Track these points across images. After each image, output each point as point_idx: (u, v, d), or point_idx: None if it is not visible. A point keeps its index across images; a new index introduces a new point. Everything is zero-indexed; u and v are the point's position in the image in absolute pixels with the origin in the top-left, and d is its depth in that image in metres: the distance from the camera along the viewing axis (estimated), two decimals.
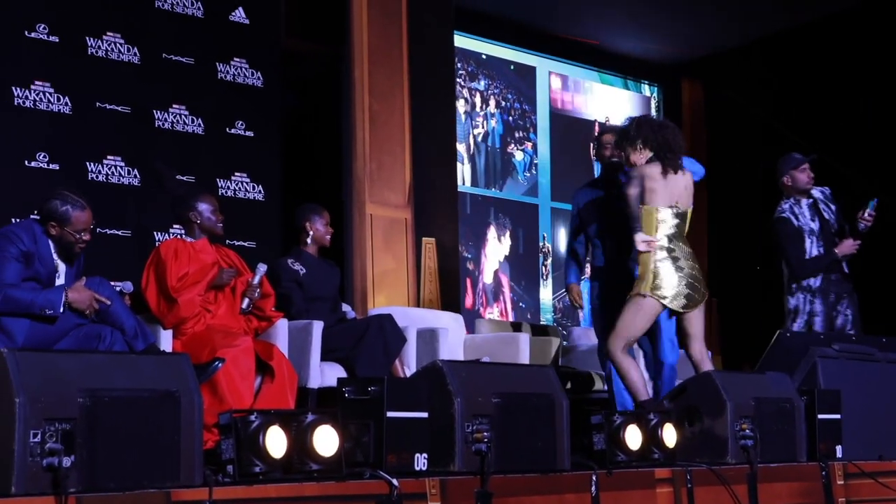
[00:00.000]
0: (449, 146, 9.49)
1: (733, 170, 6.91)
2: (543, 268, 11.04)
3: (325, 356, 5.99)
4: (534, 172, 11.09)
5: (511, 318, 10.49)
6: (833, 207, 6.73)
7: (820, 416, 5.16)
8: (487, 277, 10.57)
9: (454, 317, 7.59)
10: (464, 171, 10.38)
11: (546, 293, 11.03)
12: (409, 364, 6.25)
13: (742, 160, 6.99)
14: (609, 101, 11.83)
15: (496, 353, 7.05)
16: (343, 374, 5.92)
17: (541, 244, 11.04)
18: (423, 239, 8.77)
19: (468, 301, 10.30)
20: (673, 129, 5.56)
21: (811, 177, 6.70)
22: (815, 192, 6.75)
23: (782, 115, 11.22)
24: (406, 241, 8.65)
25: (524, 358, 6.95)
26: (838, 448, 5.20)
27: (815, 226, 6.65)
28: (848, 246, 6.58)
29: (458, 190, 10.11)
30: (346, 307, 6.64)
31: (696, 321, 5.51)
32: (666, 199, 5.44)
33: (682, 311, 5.45)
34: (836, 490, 5.07)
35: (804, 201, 6.69)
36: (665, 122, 5.70)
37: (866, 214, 6.56)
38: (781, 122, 11.18)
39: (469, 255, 10.44)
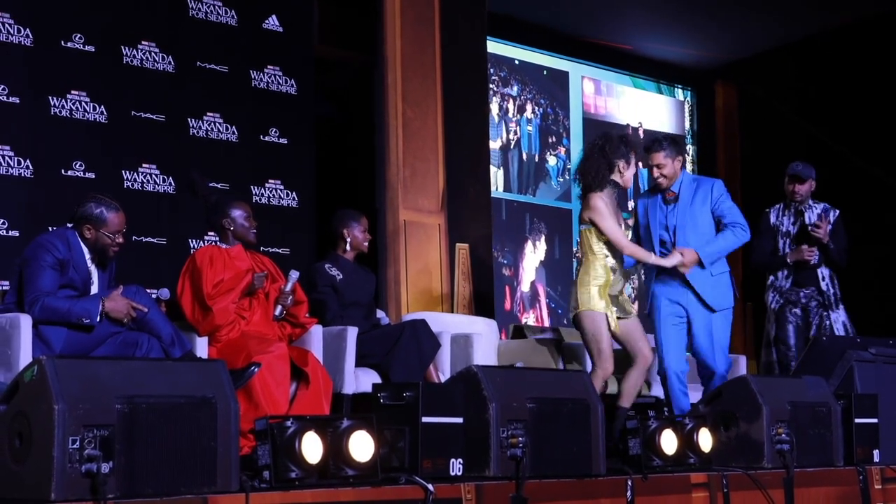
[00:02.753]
0: (482, 152, 9.49)
1: (767, 173, 6.90)
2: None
3: (360, 362, 5.99)
4: (567, 178, 11.08)
5: (547, 324, 10.46)
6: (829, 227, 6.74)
7: (857, 420, 5.14)
8: (525, 286, 10.57)
9: (488, 322, 7.57)
10: (497, 177, 10.38)
11: None
12: (443, 370, 6.25)
13: (776, 164, 6.97)
14: (642, 106, 11.80)
15: (530, 358, 7.03)
16: (378, 379, 5.92)
17: (575, 249, 11.02)
18: (457, 244, 8.76)
19: (506, 305, 10.30)
20: (584, 167, 5.80)
21: (790, 190, 6.80)
22: (816, 209, 6.81)
23: (817, 119, 11.15)
24: (440, 247, 8.66)
25: (558, 363, 6.93)
26: (875, 452, 5.18)
27: (793, 229, 6.80)
28: (798, 252, 6.64)
29: (493, 196, 10.11)
30: (380, 313, 6.64)
31: None
32: None
33: None
34: (874, 494, 5.04)
35: (793, 206, 6.84)
36: (583, 156, 5.86)
37: (814, 222, 6.70)
38: (816, 125, 11.11)
39: (505, 262, 10.43)
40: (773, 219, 6.84)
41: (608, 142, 5.72)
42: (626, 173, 5.68)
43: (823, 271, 6.74)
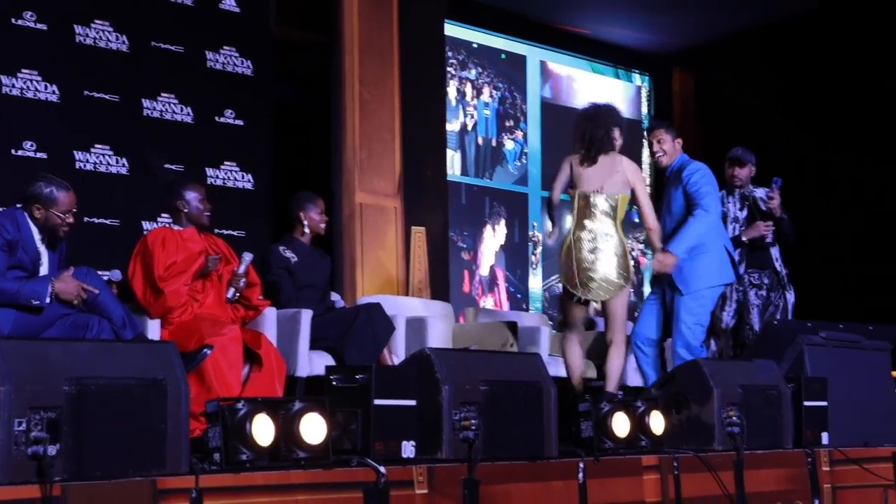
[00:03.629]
0: (439, 135, 9.48)
1: (723, 160, 6.92)
2: (533, 256, 11.05)
3: (314, 345, 5.98)
4: (524, 162, 11.09)
5: (506, 308, 10.48)
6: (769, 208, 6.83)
7: (806, 403, 5.17)
8: (484, 270, 10.58)
9: (443, 305, 7.58)
10: (454, 160, 10.37)
11: (535, 282, 11.03)
12: (397, 353, 6.25)
13: (728, 141, 7.07)
14: (600, 91, 11.81)
15: (485, 341, 7.04)
16: (332, 362, 5.90)
17: (531, 233, 11.04)
18: (413, 227, 8.76)
19: (465, 288, 10.30)
20: (594, 123, 5.72)
21: (730, 174, 6.85)
22: (758, 192, 6.87)
23: (774, 106, 11.22)
24: (396, 230, 8.65)
25: (514, 346, 6.94)
26: (824, 435, 5.22)
27: (741, 214, 6.83)
28: (755, 229, 6.69)
29: (452, 180, 10.11)
30: (335, 296, 6.62)
31: (608, 306, 5.68)
32: (582, 186, 5.67)
33: (582, 296, 5.64)
34: (822, 476, 5.09)
35: (737, 192, 6.87)
36: (591, 114, 5.81)
37: (767, 195, 6.72)
38: (773, 112, 11.18)
39: (465, 246, 10.43)
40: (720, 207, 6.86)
41: (601, 108, 5.83)
42: (618, 142, 5.77)
43: (775, 252, 6.79)
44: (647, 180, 9.98)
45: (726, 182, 6.88)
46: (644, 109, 12.21)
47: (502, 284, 10.70)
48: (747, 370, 5.17)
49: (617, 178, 5.64)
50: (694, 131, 11.95)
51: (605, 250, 5.57)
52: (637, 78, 12.25)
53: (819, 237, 10.56)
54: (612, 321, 5.65)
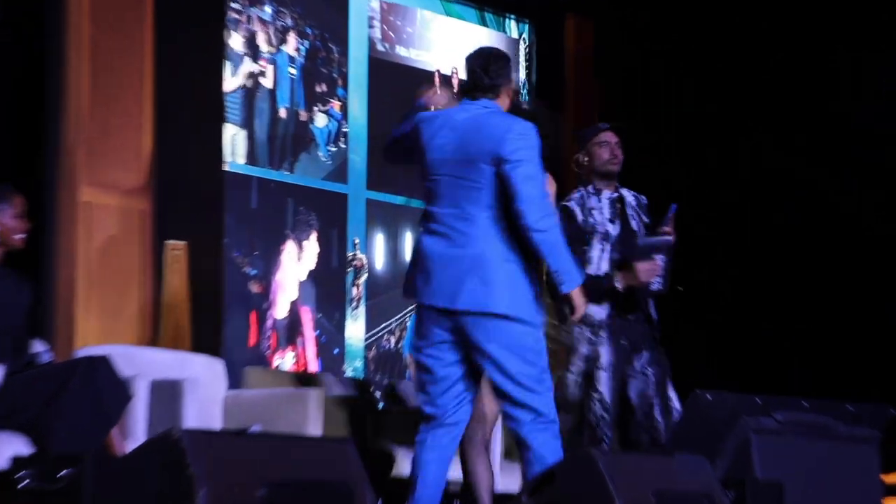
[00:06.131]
0: (213, 105, 9.45)
1: (629, 131, 6.97)
2: (354, 289, 10.98)
3: (2, 422, 5.92)
4: (342, 146, 11.06)
5: (314, 368, 10.41)
6: (644, 220, 6.94)
7: None
8: (281, 310, 10.46)
9: (211, 362, 7.58)
10: (236, 142, 10.27)
11: (356, 328, 10.96)
12: (135, 434, 6.30)
13: (641, 120, 7.11)
14: (458, 45, 11.84)
15: (274, 418, 7.12)
16: (28, 449, 5.83)
17: (350, 254, 10.99)
18: (169, 242, 8.70)
19: (251, 339, 10.18)
20: None
21: (614, 154, 6.87)
22: (625, 193, 6.97)
23: (685, 65, 11.50)
24: (142, 245, 8.59)
25: (316, 427, 6.94)
26: None
27: (612, 229, 6.81)
28: (636, 273, 6.67)
29: (235, 171, 10.04)
30: (39, 345, 6.53)
31: None
32: None
33: None
34: None
35: (605, 193, 6.87)
36: None
37: (665, 227, 6.79)
38: (683, 73, 11.45)
39: (253, 272, 10.30)
40: (579, 216, 6.81)
41: None
42: None
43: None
44: None
45: (591, 172, 6.88)
46: (523, 74, 12.31)
47: (309, 332, 10.63)
48: (665, 469, 5.20)
49: None
50: (595, 104, 12.08)
51: None
52: (513, 27, 12.35)
53: (738, 261, 10.89)
54: None
